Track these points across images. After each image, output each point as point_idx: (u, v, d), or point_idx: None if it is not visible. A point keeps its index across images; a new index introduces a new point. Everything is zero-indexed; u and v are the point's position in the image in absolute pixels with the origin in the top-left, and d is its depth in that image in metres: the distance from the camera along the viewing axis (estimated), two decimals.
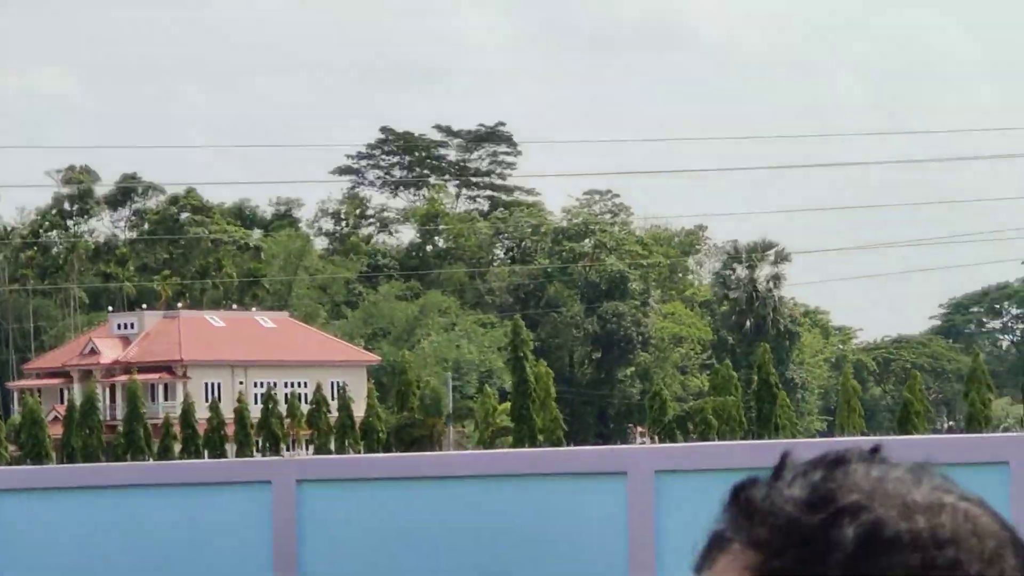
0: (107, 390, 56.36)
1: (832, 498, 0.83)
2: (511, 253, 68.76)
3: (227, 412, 51.60)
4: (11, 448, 50.56)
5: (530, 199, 74.62)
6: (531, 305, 55.81)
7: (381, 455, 29.18)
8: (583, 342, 57.58)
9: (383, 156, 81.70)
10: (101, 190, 66.45)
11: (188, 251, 62.80)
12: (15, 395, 56.15)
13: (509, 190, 77.01)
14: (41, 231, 65.98)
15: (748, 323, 71.83)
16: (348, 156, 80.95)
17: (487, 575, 7.24)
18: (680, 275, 75.67)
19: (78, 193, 65.07)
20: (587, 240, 64.89)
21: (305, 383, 55.35)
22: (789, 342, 72.76)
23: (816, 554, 0.82)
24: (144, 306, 61.39)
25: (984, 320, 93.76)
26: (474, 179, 76.64)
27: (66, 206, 67.01)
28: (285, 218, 73.49)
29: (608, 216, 74.71)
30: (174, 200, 65.64)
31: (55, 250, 61.95)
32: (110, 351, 61.31)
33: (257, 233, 68.09)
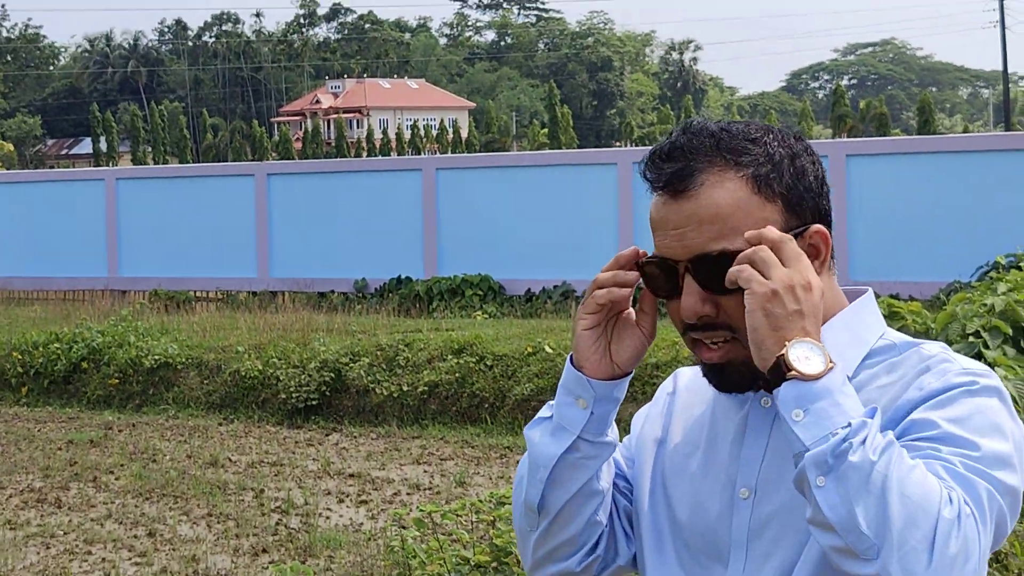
0: (325, 123, 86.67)
1: (754, 132, 1.29)
2: (548, 46, 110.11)
3: (391, 135, 78.58)
4: (273, 155, 66.44)
5: (556, 16, 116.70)
6: (559, 75, 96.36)
7: (485, 154, 47.95)
8: (587, 96, 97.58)
9: None
10: (322, 11, 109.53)
11: (369, 45, 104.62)
12: (276, 126, 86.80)
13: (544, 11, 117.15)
14: (287, 35, 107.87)
15: (679, 84, 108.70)
16: None
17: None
18: (642, 58, 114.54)
19: (307, 13, 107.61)
20: (590, 38, 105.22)
21: (434, 119, 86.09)
22: (702, 95, 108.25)
23: (784, 159, 1.25)
24: (345, 76, 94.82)
25: (810, 82, 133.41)
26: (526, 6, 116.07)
27: (301, 20, 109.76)
28: (422, 27, 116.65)
29: (603, 24, 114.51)
30: (360, 17, 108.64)
31: (295, 45, 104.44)
32: (327, 101, 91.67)
33: (407, 36, 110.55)
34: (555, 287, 15.06)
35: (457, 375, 10.59)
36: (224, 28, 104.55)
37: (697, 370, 1.39)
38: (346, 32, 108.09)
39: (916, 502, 1.03)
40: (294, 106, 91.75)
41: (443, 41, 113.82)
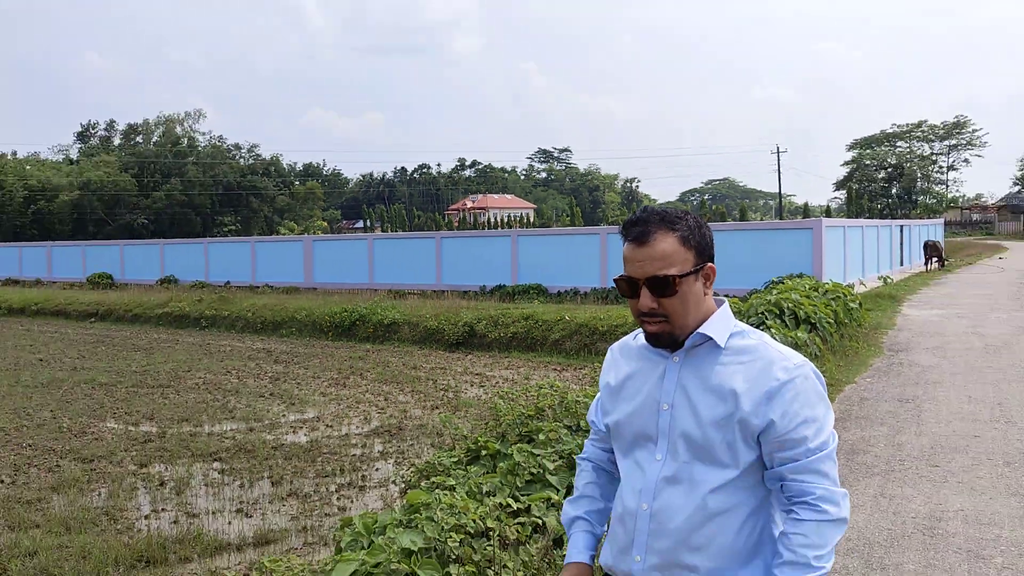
0: (469, 215, 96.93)
1: (681, 213, 2.00)
2: (569, 178, 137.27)
3: (499, 221, 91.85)
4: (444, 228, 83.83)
5: (573, 164, 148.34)
6: (575, 193, 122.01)
7: (539, 228, 62.47)
8: (588, 203, 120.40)
9: None
10: (468, 163, 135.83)
11: (488, 178, 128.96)
12: (445, 216, 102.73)
13: (568, 163, 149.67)
14: (452, 173, 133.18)
15: (630, 197, 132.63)
16: None
17: None
18: (613, 185, 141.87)
19: (459, 165, 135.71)
20: (589, 176, 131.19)
21: (517, 213, 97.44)
22: (640, 202, 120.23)
23: (695, 225, 1.99)
24: (478, 193, 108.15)
25: (691, 196, 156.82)
26: None
27: (458, 166, 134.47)
28: (512, 170, 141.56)
29: (595, 167, 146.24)
30: (485, 166, 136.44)
31: (455, 179, 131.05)
32: (469, 204, 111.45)
33: (505, 174, 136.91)
34: (569, 289, 23.44)
35: (524, 328, 16.92)
36: (423, 172, 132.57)
37: (625, 339, 2.22)
38: (476, 171, 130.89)
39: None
40: (455, 206, 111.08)
41: (522, 176, 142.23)
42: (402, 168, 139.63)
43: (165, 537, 6.57)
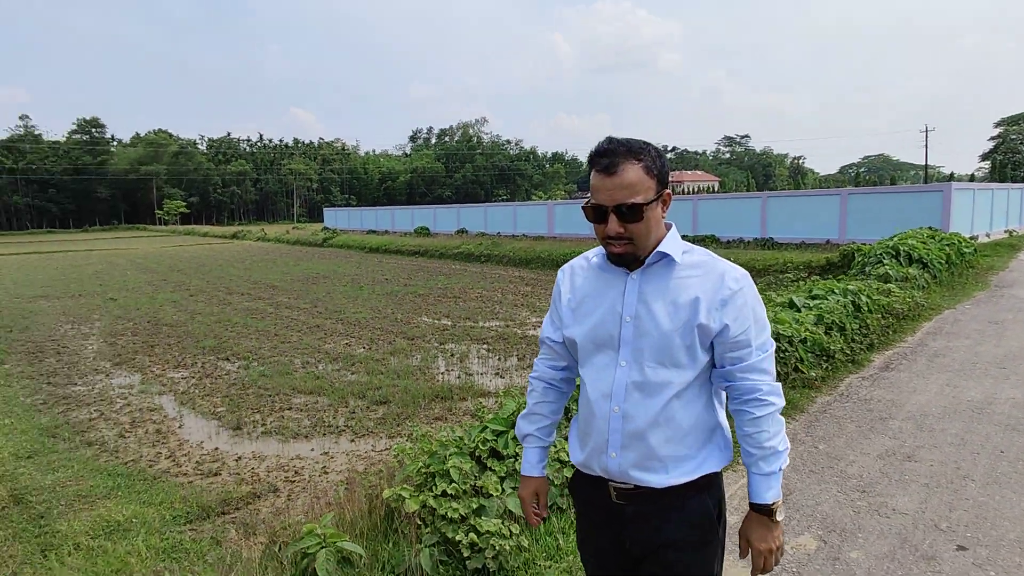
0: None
1: (644, 144, 1.52)
2: None
3: None
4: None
5: None
6: None
7: None
8: None
9: None
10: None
11: None
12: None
13: None
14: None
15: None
16: None
17: None
18: None
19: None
20: None
21: None
22: None
23: (656, 155, 1.52)
24: None
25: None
26: None
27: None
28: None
29: None
30: None
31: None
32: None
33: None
34: (736, 239, 21.12)
35: None
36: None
37: (577, 261, 1.76)
38: (675, 154, 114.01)
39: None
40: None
41: (710, 157, 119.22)
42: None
43: (452, 385, 7.25)
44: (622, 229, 1.53)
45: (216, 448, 5.73)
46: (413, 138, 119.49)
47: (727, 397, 1.68)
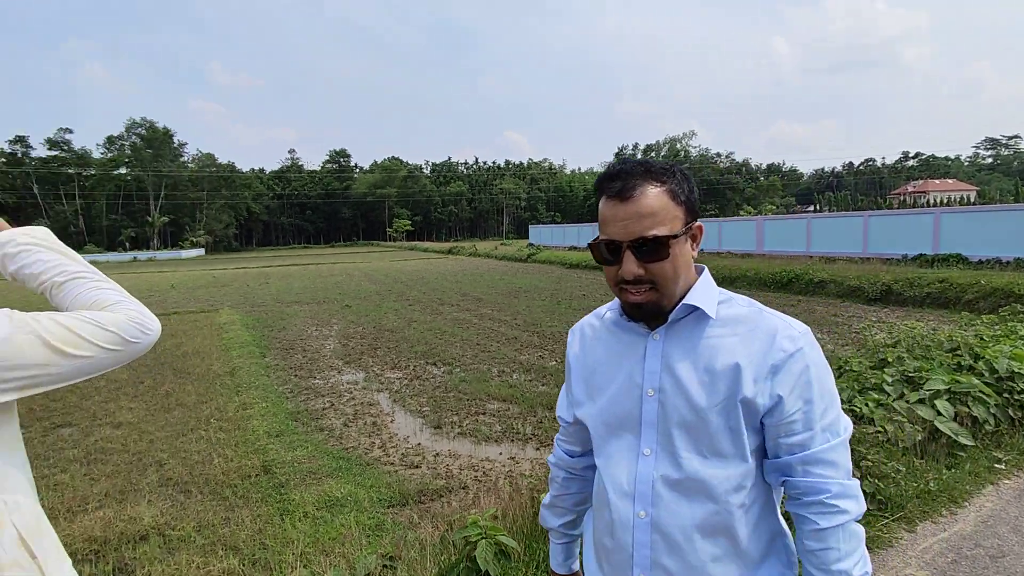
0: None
1: (668, 165, 1.21)
2: None
3: None
4: None
5: None
6: None
7: None
8: None
9: None
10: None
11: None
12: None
13: None
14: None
15: None
16: None
17: None
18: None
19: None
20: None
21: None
22: None
23: (683, 178, 1.22)
24: None
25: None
26: None
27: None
28: None
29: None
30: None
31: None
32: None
33: None
34: (991, 258, 17.79)
35: (938, 290, 14.24)
36: (868, 164, 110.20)
37: (588, 319, 1.40)
38: (919, 161, 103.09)
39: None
40: (896, 191, 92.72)
41: (965, 163, 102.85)
42: (849, 163, 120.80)
43: None
44: (641, 271, 1.19)
45: (419, 443, 6.31)
46: (618, 154, 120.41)
47: (784, 495, 1.27)
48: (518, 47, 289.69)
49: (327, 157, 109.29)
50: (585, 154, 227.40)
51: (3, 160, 74.52)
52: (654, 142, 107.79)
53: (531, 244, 47.26)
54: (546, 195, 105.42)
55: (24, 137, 76.34)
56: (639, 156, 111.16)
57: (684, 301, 1.23)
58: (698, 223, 1.24)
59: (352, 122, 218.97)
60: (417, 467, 5.70)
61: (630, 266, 1.18)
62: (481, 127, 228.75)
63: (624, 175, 1.19)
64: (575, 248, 40.87)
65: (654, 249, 1.17)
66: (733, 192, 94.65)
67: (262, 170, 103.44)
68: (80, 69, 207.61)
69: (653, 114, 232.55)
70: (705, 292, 1.23)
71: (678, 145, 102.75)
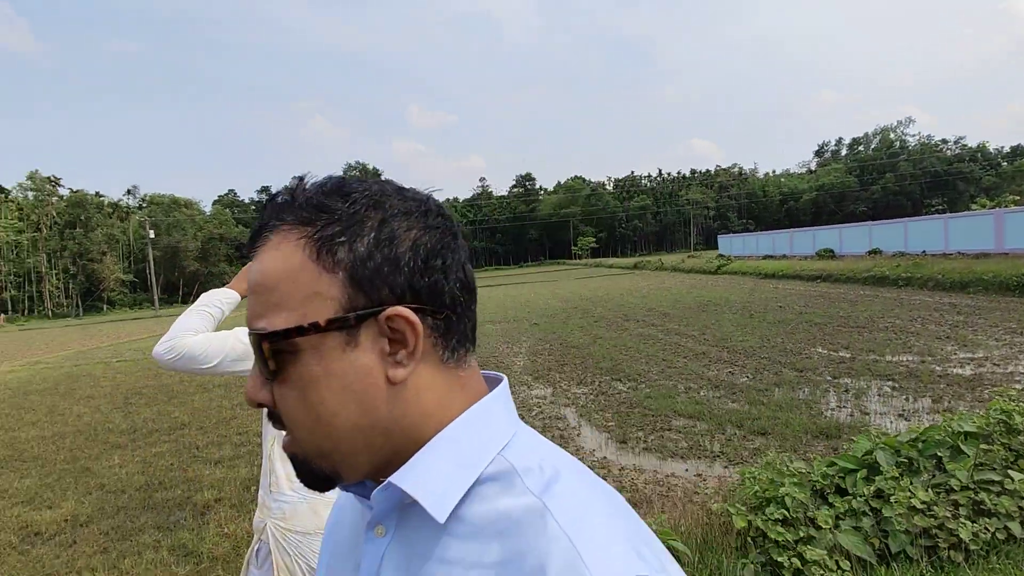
0: None
1: (341, 186, 0.60)
2: None
3: None
4: None
5: None
6: None
7: None
8: None
9: None
10: None
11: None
12: None
13: None
14: None
15: None
16: None
17: None
18: None
19: None
20: None
21: None
22: None
23: (361, 220, 0.58)
24: None
25: None
26: None
27: None
28: None
29: None
30: None
31: None
32: None
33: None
34: None
35: None
36: None
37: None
38: None
39: None
40: None
41: None
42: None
43: (841, 423, 6.75)
44: (265, 396, 0.61)
45: (604, 457, 6.50)
46: (819, 152, 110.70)
47: None
48: (699, 53, 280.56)
49: (514, 181, 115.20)
50: (779, 156, 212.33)
51: (253, 208, 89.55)
52: (861, 135, 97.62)
53: (721, 255, 45.32)
54: (737, 202, 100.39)
55: (268, 187, 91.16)
56: (844, 151, 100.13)
57: (391, 479, 0.59)
58: (396, 308, 0.58)
59: (536, 145, 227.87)
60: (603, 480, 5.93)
61: (251, 383, 0.62)
62: (664, 138, 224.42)
63: (261, 215, 0.65)
64: (770, 256, 38.68)
65: (271, 355, 0.59)
66: (966, 183, 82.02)
67: (456, 199, 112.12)
68: (308, 122, 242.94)
69: (857, 103, 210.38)
70: (445, 461, 0.59)
71: (892, 135, 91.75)
